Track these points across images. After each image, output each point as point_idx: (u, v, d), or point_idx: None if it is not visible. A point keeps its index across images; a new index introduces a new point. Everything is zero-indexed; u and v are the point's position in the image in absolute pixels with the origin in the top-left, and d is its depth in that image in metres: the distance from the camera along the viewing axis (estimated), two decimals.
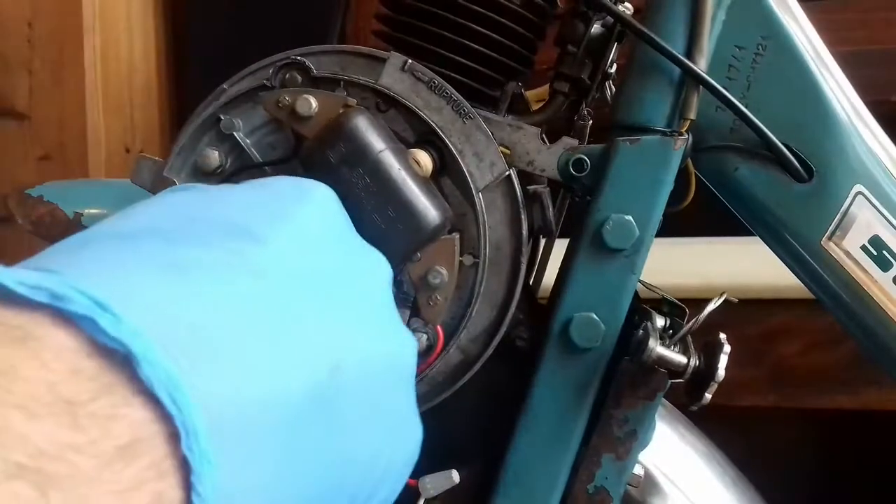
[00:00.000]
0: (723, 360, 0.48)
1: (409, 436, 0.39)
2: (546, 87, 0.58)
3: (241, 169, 0.50)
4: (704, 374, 0.49)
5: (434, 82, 0.50)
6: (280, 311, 0.33)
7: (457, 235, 0.50)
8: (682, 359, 0.48)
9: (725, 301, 0.53)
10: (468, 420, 0.55)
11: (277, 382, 0.31)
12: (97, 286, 0.27)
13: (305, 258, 0.36)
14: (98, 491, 0.24)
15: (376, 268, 0.41)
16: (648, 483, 0.68)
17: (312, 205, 0.39)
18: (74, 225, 0.67)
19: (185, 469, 0.26)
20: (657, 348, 0.48)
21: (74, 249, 0.31)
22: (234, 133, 0.50)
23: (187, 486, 0.26)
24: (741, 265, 1.04)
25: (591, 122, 0.57)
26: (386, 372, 0.37)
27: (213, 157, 0.50)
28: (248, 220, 0.36)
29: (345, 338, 0.35)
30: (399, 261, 0.47)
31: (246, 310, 0.31)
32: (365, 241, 0.41)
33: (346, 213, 0.42)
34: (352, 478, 0.35)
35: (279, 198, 0.39)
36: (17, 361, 0.24)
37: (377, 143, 0.45)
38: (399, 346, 0.39)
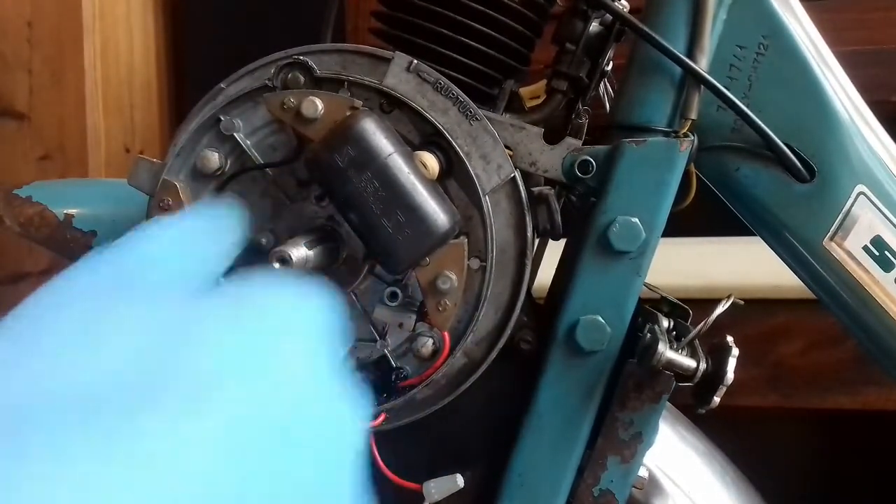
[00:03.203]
0: (731, 364, 0.48)
1: None
2: (539, 84, 0.57)
3: (241, 171, 0.50)
4: (713, 377, 0.49)
5: (440, 83, 0.49)
6: None
7: (465, 239, 0.50)
8: (692, 363, 0.48)
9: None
10: (472, 423, 0.54)
11: None
12: None
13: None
14: None
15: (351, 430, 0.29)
16: (650, 483, 0.67)
17: (301, 339, 0.29)
18: (64, 227, 0.63)
19: None
20: (667, 352, 0.47)
21: None
22: (235, 134, 0.50)
23: None
24: (742, 265, 1.04)
25: (587, 120, 0.57)
26: None
27: (213, 158, 0.49)
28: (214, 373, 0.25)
29: None
30: (408, 266, 0.47)
31: None
32: (345, 382, 0.30)
33: (339, 333, 0.31)
34: None
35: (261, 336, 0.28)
36: None
37: (386, 146, 0.45)
38: None
